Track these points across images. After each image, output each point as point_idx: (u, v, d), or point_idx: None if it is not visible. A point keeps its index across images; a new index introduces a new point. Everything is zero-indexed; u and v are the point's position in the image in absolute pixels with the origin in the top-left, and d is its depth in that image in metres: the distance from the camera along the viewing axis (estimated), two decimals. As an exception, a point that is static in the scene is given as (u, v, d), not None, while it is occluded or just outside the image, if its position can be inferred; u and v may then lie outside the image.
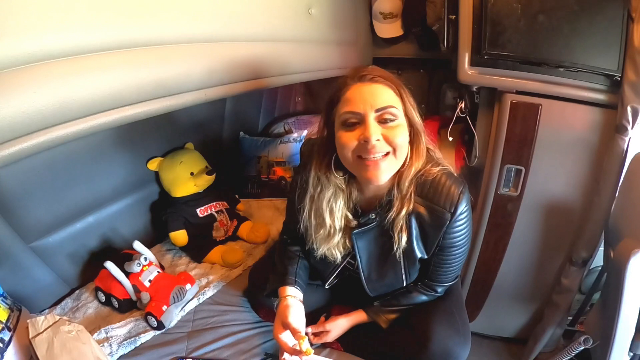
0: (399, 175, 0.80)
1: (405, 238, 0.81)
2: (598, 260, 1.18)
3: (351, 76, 0.76)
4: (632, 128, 0.97)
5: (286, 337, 0.85)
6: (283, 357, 0.86)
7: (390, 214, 0.80)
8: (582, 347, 1.02)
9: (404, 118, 0.76)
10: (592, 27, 0.98)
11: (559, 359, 1.09)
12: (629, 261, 0.80)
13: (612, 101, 1.00)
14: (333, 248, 0.87)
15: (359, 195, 0.87)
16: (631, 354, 0.92)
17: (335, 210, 0.83)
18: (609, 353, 0.89)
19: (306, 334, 0.95)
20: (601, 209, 1.08)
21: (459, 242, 0.85)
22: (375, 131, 0.71)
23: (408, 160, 0.79)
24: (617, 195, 1.06)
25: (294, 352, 0.82)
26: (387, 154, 0.74)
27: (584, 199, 1.13)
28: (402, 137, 0.74)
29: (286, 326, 0.84)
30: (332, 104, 0.78)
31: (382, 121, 0.73)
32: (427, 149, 0.83)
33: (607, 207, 1.07)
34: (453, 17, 1.15)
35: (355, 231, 0.86)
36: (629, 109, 0.95)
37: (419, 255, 0.86)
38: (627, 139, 0.99)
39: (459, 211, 0.79)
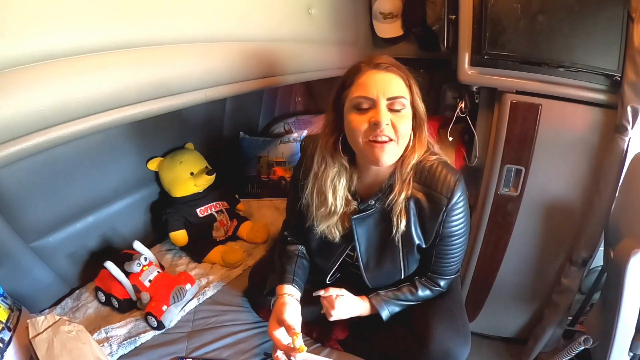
0: (401, 161, 0.84)
1: (404, 222, 0.84)
2: (598, 260, 1.18)
3: (366, 62, 0.80)
4: (632, 128, 0.97)
5: (280, 334, 0.85)
6: (276, 354, 0.86)
7: (391, 197, 0.83)
8: (582, 347, 1.02)
9: (410, 108, 0.80)
10: (592, 27, 0.98)
11: (559, 359, 1.09)
12: (629, 261, 0.80)
13: (612, 101, 1.00)
14: (332, 226, 0.89)
15: (358, 182, 0.89)
16: (631, 354, 0.92)
17: (338, 189, 0.86)
18: (609, 353, 0.89)
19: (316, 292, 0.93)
20: (601, 209, 1.08)
21: (458, 232, 0.87)
22: (385, 116, 0.76)
23: (411, 147, 0.83)
24: (617, 195, 1.06)
25: (288, 349, 0.82)
26: (391, 140, 0.77)
27: (584, 199, 1.13)
28: (406, 125, 0.79)
29: (281, 323, 0.85)
30: (343, 87, 0.82)
31: (391, 109, 0.78)
32: (427, 140, 0.87)
33: (607, 207, 1.07)
34: (453, 17, 1.15)
35: (355, 217, 0.88)
36: (629, 109, 0.95)
37: (417, 241, 0.87)
38: (627, 139, 0.99)
39: (455, 198, 0.82)
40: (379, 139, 0.76)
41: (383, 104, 0.76)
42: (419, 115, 0.83)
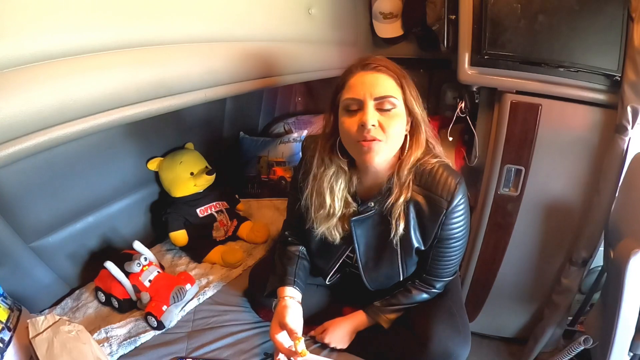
0: (399, 163, 0.83)
1: (402, 225, 0.83)
2: (598, 260, 1.18)
3: (356, 64, 0.80)
4: (632, 128, 0.97)
5: (282, 338, 0.85)
6: (278, 357, 0.86)
7: (389, 200, 0.83)
8: (582, 347, 1.02)
9: (403, 108, 0.79)
10: (592, 27, 0.98)
11: (559, 359, 1.09)
12: (629, 261, 0.80)
13: (612, 101, 1.00)
14: (332, 228, 0.89)
15: (358, 184, 0.89)
16: (631, 354, 0.91)
17: (335, 190, 0.86)
18: (609, 353, 0.89)
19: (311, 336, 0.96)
20: (601, 209, 1.08)
21: (457, 235, 0.86)
22: (372, 117, 0.75)
23: (407, 149, 0.82)
24: (617, 195, 1.06)
25: (290, 352, 0.82)
26: (380, 141, 0.77)
27: (584, 199, 1.13)
28: (396, 127, 0.78)
29: (283, 326, 0.85)
30: (337, 89, 0.82)
31: (380, 109, 0.77)
32: (428, 142, 0.86)
33: (607, 207, 1.07)
34: (453, 17, 1.15)
35: (353, 218, 0.87)
36: (629, 109, 0.95)
37: (415, 244, 0.87)
38: (627, 139, 0.99)
39: (455, 201, 0.81)
40: (367, 139, 0.76)
41: (370, 105, 0.76)
42: (415, 115, 0.81)
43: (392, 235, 0.85)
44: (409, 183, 0.83)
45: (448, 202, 0.81)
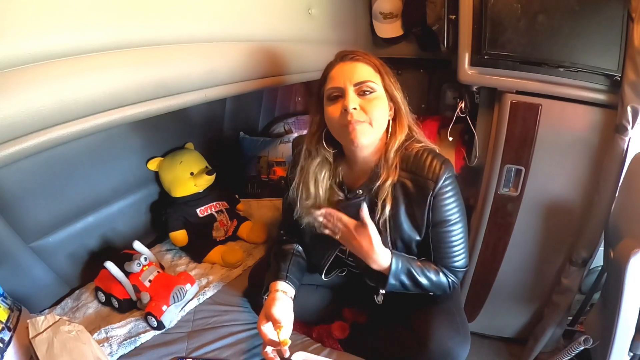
0: (385, 147, 0.86)
1: (388, 207, 0.84)
2: (598, 260, 1.18)
3: (335, 58, 0.87)
4: (632, 128, 0.97)
5: (267, 329, 0.86)
6: (265, 350, 0.85)
7: (378, 183, 0.85)
8: (582, 347, 1.02)
9: (383, 92, 0.84)
10: (592, 27, 0.98)
11: (559, 359, 1.09)
12: (629, 261, 0.80)
13: (612, 101, 1.00)
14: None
15: (347, 173, 0.92)
16: (631, 354, 0.91)
17: (319, 180, 0.89)
18: (609, 353, 0.89)
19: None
20: (601, 209, 1.08)
21: (451, 216, 0.85)
22: (353, 100, 0.80)
23: (392, 133, 0.86)
24: (617, 195, 1.06)
25: (272, 342, 0.83)
26: (363, 122, 0.81)
27: (584, 199, 1.13)
28: (379, 109, 0.82)
29: (269, 317, 0.85)
30: (320, 84, 0.88)
31: (361, 93, 0.82)
32: (410, 127, 0.89)
33: (607, 207, 1.07)
34: (453, 17, 1.15)
35: (341, 205, 0.89)
36: (629, 109, 0.95)
37: (407, 230, 0.86)
38: (627, 139, 0.99)
39: (441, 180, 0.82)
40: (351, 121, 0.79)
41: (351, 90, 0.81)
42: (396, 100, 0.85)
43: (377, 217, 0.84)
44: (395, 165, 0.85)
45: (435, 183, 0.82)
